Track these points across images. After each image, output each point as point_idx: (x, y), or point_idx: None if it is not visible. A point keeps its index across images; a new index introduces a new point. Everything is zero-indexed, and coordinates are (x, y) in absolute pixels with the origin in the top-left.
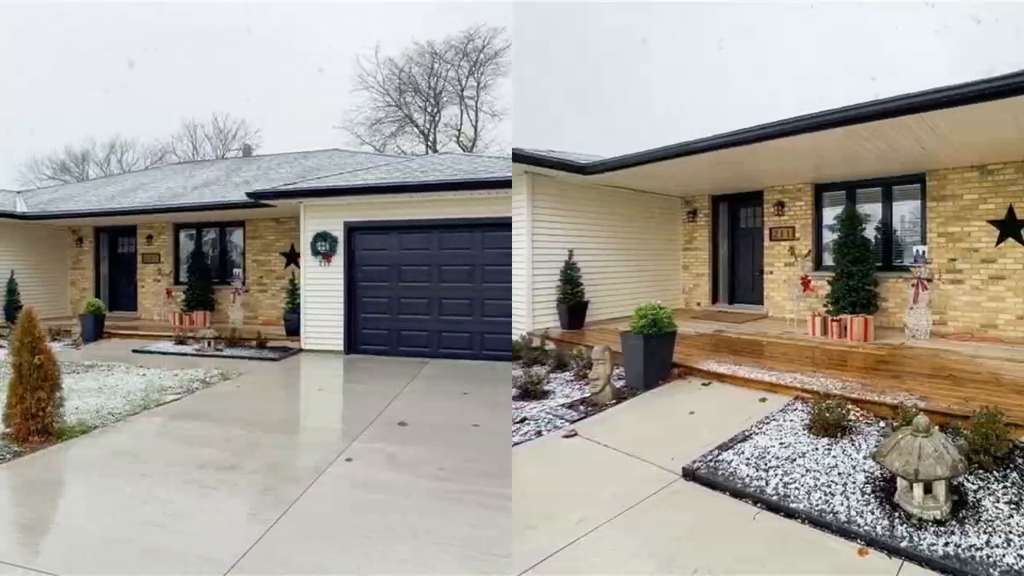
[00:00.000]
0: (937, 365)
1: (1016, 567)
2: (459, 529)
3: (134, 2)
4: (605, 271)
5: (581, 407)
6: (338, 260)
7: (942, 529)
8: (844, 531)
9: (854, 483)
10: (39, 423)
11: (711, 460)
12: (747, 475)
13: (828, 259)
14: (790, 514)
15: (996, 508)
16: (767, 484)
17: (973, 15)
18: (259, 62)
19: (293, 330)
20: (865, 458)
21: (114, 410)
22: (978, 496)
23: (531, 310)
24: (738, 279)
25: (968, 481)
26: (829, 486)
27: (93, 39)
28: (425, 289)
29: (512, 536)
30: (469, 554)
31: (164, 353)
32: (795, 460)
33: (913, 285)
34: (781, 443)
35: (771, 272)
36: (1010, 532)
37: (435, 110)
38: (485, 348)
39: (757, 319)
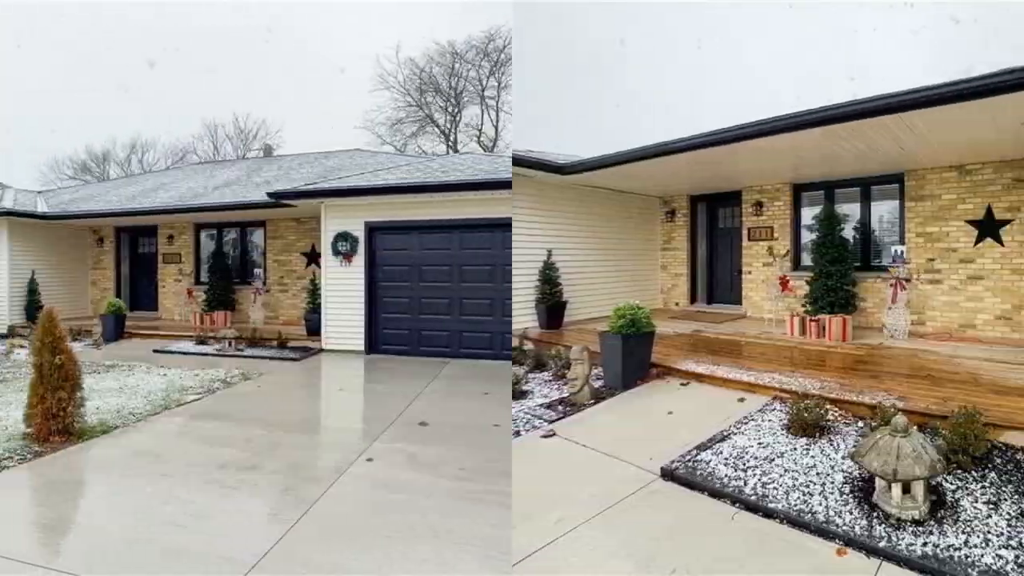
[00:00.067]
0: (916, 365)
1: (994, 567)
2: (480, 529)
3: (155, 2)
4: (584, 271)
5: (559, 407)
6: (359, 260)
7: (920, 529)
8: (823, 531)
9: (833, 483)
10: (60, 423)
11: (689, 460)
12: (726, 475)
13: (807, 259)
14: (769, 514)
15: (975, 508)
16: (746, 484)
17: (952, 15)
18: (280, 62)
19: (314, 330)
20: (844, 458)
21: (135, 410)
22: (956, 496)
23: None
24: (716, 279)
25: (947, 481)
26: (808, 486)
27: (113, 39)
28: (446, 289)
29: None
30: (490, 554)
31: (185, 353)
32: (773, 460)
33: (892, 285)
34: (760, 443)
35: (749, 272)
36: (988, 532)
37: (456, 110)
38: (506, 348)
39: (736, 319)
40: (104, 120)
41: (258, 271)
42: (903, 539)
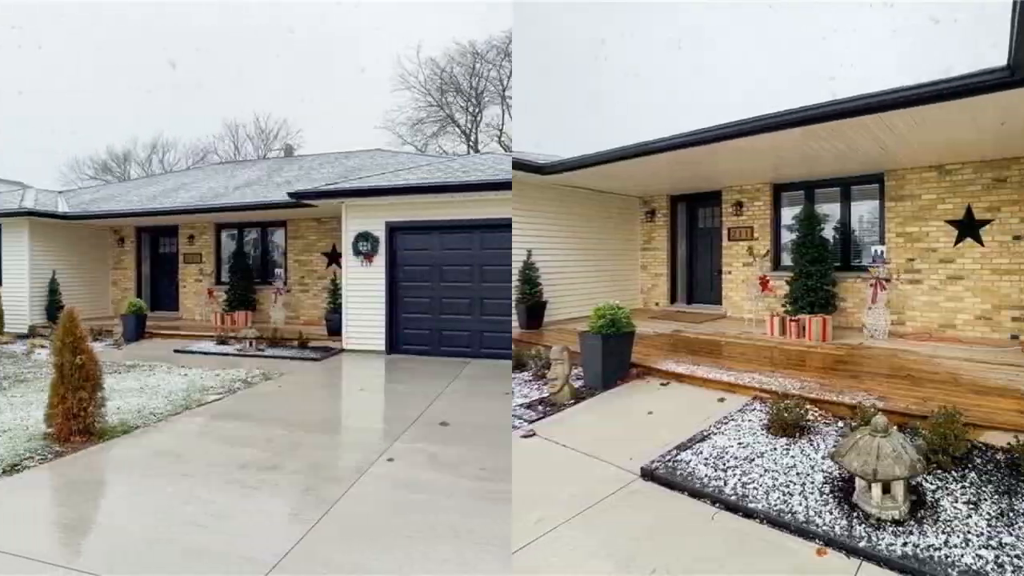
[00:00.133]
0: (895, 365)
1: (974, 567)
2: (500, 529)
3: (177, 3)
4: (563, 271)
5: (539, 407)
6: (380, 260)
7: (900, 529)
8: (802, 531)
9: (812, 483)
10: (81, 423)
11: (669, 460)
12: (705, 475)
13: (787, 259)
14: (748, 514)
15: (954, 508)
16: (725, 484)
17: (931, 15)
18: (301, 62)
19: (335, 330)
20: (823, 458)
21: (156, 410)
22: (936, 496)
23: None
24: (696, 279)
25: (927, 481)
26: (787, 486)
27: (135, 40)
28: (467, 289)
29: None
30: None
31: (206, 353)
32: (753, 460)
33: (871, 285)
34: (739, 443)
35: (729, 272)
36: (968, 532)
37: (477, 110)
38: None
39: (715, 319)
40: (125, 120)
41: (279, 271)
42: (883, 539)
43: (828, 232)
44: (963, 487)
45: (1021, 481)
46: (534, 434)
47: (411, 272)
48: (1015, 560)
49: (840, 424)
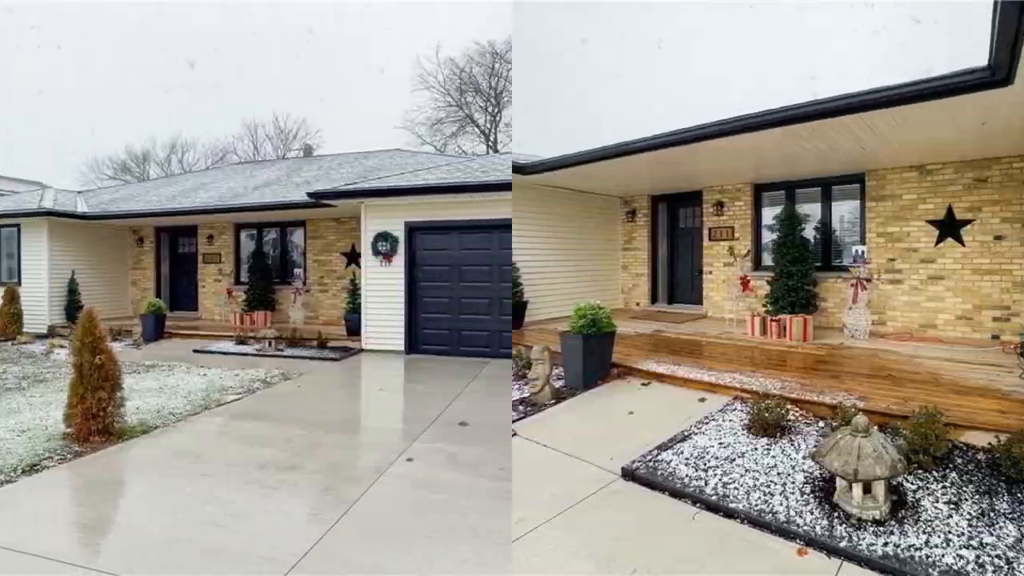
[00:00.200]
0: (876, 365)
1: (955, 567)
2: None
3: (195, 3)
4: (544, 271)
5: (520, 407)
6: (399, 260)
7: (881, 529)
8: (783, 531)
9: (793, 483)
10: (100, 423)
11: (650, 460)
12: (686, 475)
13: (767, 259)
14: (729, 514)
15: (935, 508)
16: (706, 484)
17: (912, 15)
18: (321, 62)
19: (354, 330)
20: (804, 458)
21: (175, 410)
22: (917, 496)
23: None
24: (677, 279)
25: (907, 481)
26: (768, 486)
27: (155, 40)
28: (486, 289)
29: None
30: None
31: (225, 353)
32: (734, 460)
33: (852, 285)
34: (720, 443)
35: (710, 272)
36: (949, 532)
37: (496, 110)
38: None
39: (696, 319)
40: (144, 120)
41: (298, 271)
42: (864, 539)
43: (809, 232)
44: (944, 487)
45: (1002, 481)
46: (515, 434)
47: (430, 272)
48: (995, 560)
49: (821, 424)
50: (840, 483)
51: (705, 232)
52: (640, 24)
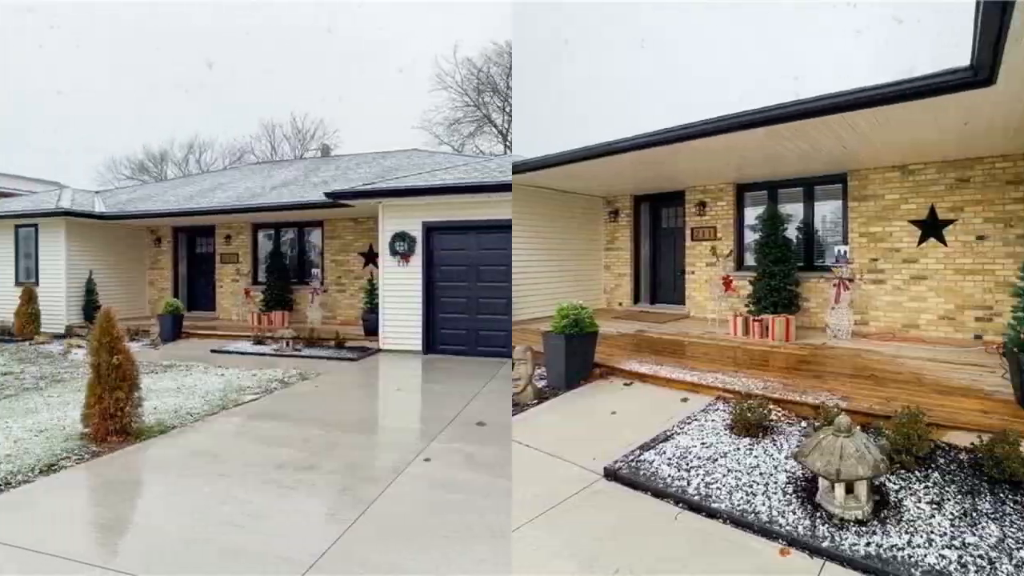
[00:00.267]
0: (859, 365)
1: (937, 567)
2: None
3: (213, 3)
4: (527, 271)
5: None
6: (416, 260)
7: (864, 529)
8: (766, 531)
9: (776, 483)
10: (117, 423)
11: (633, 460)
12: (669, 475)
13: (750, 259)
14: (712, 514)
15: (918, 508)
16: (689, 484)
17: (894, 15)
18: (338, 63)
19: (371, 330)
20: (787, 458)
21: (192, 410)
22: (900, 496)
23: None
24: (660, 279)
25: (890, 481)
26: (751, 486)
27: (173, 40)
28: (503, 289)
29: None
30: None
31: (242, 353)
32: (717, 460)
33: (835, 285)
34: (703, 443)
35: (693, 272)
36: (931, 532)
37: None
38: None
39: (679, 319)
40: (162, 120)
41: (316, 271)
42: (846, 539)
43: (791, 232)
44: (926, 487)
45: (984, 481)
46: None
47: (448, 272)
48: (978, 560)
49: (803, 424)
50: (822, 483)
51: (687, 232)
52: (640, 25)
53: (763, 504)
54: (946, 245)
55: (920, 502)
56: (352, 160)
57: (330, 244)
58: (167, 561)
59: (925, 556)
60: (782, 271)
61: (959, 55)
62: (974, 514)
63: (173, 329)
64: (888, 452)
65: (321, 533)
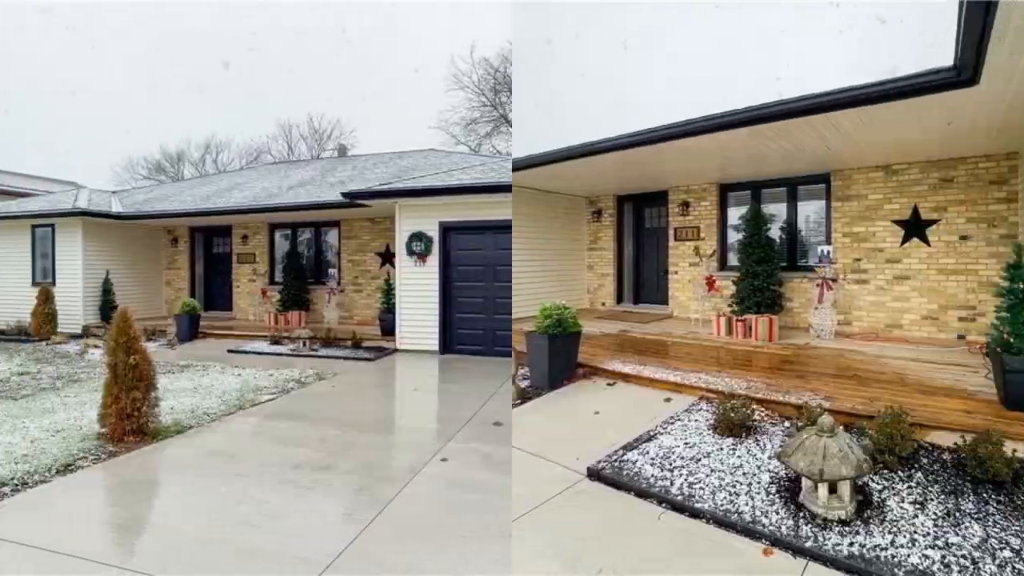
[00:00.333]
0: (842, 365)
1: (921, 567)
2: None
3: (230, 4)
4: (511, 271)
5: None
6: (433, 260)
7: (847, 529)
8: (749, 531)
9: (759, 483)
10: (134, 423)
11: (616, 460)
12: (652, 475)
13: (733, 259)
14: (695, 514)
15: (901, 508)
16: (672, 484)
17: (878, 15)
18: (355, 63)
19: (388, 330)
20: (770, 458)
21: (209, 410)
22: (883, 496)
23: None
24: (643, 279)
25: (873, 481)
26: (734, 486)
27: (189, 40)
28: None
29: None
30: None
31: (259, 353)
32: (700, 460)
33: (818, 285)
34: (686, 443)
35: (676, 272)
36: (915, 532)
37: None
38: None
39: (662, 319)
40: (179, 120)
41: (332, 271)
42: (829, 539)
43: (775, 232)
44: (910, 487)
45: (967, 481)
46: None
47: (465, 272)
48: (961, 560)
49: (787, 424)
50: (806, 483)
51: (671, 232)
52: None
53: (746, 504)
54: (929, 245)
55: (903, 502)
56: (369, 160)
57: (347, 244)
58: (184, 561)
59: (908, 556)
60: (765, 271)
61: (942, 55)
62: (957, 514)
63: (190, 329)
64: (871, 452)
65: (338, 533)
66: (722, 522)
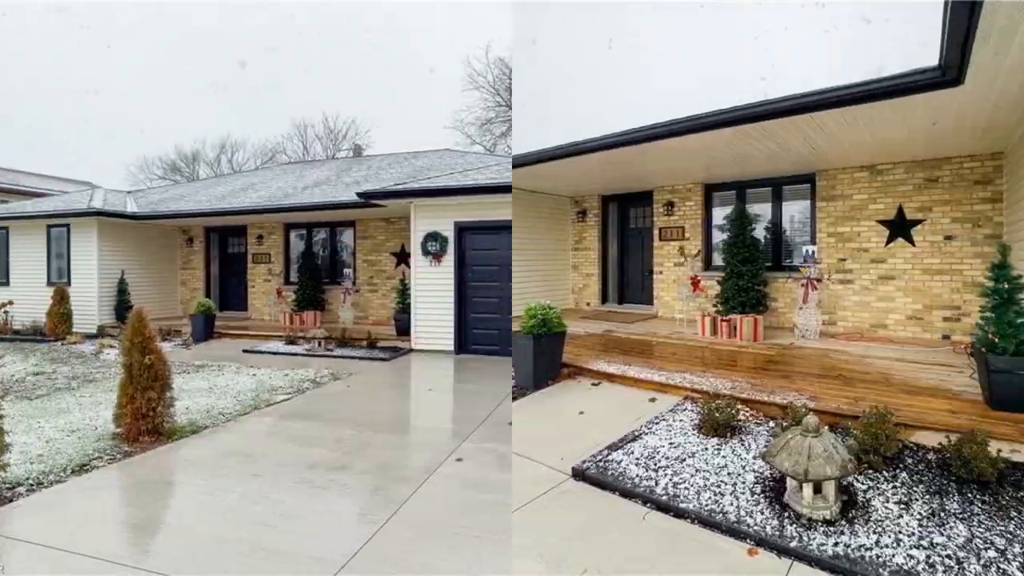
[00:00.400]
0: (827, 365)
1: (905, 567)
2: None
3: (246, 5)
4: None
5: None
6: (448, 260)
7: (832, 529)
8: (734, 531)
9: (744, 483)
10: (149, 423)
11: (601, 460)
12: (637, 475)
13: (718, 259)
14: (680, 514)
15: (886, 508)
16: (657, 484)
17: (863, 15)
18: (370, 63)
19: (403, 330)
20: (755, 458)
21: (224, 410)
22: (868, 496)
23: None
24: (628, 279)
25: (858, 481)
26: (719, 486)
27: (205, 40)
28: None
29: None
30: None
31: (274, 353)
32: (685, 460)
33: (803, 285)
34: (671, 443)
35: (661, 272)
36: (899, 532)
37: None
38: None
39: (647, 319)
40: (194, 120)
41: (348, 271)
42: (814, 539)
43: (760, 232)
44: (894, 487)
45: (952, 481)
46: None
47: (480, 272)
48: (946, 560)
49: (771, 424)
50: (790, 483)
51: (656, 232)
52: (612, 24)
53: (731, 504)
54: (914, 245)
55: (888, 502)
56: (384, 160)
57: (362, 244)
58: (199, 561)
59: (893, 556)
60: (750, 271)
61: (927, 55)
62: (942, 514)
63: (205, 329)
64: (856, 452)
65: (353, 533)
66: (707, 522)
